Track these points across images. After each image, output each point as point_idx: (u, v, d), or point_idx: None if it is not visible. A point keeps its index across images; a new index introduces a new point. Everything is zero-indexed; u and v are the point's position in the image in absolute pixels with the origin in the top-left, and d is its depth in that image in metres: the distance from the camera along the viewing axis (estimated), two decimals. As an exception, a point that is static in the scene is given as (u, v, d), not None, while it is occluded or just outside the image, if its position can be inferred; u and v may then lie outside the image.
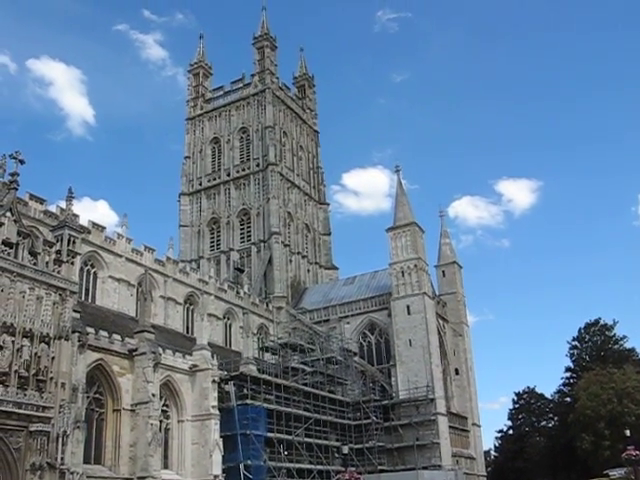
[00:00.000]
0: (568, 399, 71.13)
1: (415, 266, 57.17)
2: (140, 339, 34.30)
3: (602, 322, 73.91)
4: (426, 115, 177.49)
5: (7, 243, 27.68)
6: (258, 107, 73.76)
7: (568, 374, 75.46)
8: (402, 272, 57.28)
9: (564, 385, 76.20)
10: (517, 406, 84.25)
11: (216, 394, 37.41)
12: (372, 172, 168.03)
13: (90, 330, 31.72)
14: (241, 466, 37.86)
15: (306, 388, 47.41)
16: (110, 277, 45.60)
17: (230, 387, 39.79)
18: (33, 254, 28.74)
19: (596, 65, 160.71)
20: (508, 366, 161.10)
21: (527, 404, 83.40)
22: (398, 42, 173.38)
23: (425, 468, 48.46)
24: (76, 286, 31.82)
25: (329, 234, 76.98)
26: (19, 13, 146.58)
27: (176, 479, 34.91)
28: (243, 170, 72.04)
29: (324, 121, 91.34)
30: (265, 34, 76.37)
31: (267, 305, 62.33)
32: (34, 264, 28.47)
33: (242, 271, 65.94)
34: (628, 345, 72.31)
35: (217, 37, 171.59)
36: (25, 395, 26.54)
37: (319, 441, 46.56)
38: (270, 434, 41.55)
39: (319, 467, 45.61)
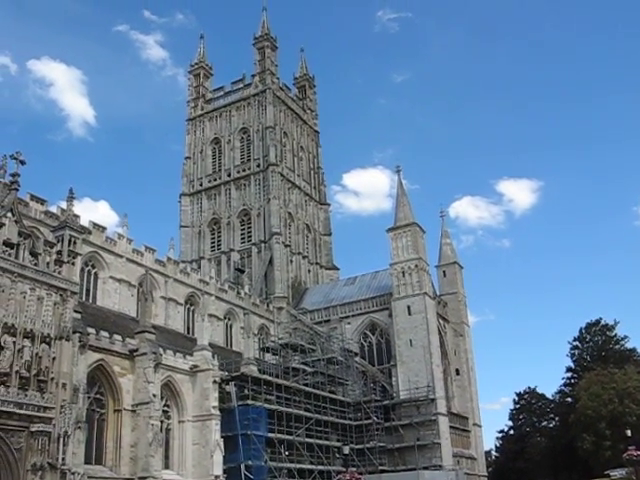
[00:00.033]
0: (569, 399, 71.13)
1: (416, 266, 57.17)
2: (141, 339, 34.31)
3: (603, 322, 73.94)
4: (427, 115, 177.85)
5: (8, 244, 27.72)
6: (259, 107, 73.74)
7: (569, 374, 75.54)
8: (403, 272, 57.29)
9: (565, 385, 76.27)
10: (518, 406, 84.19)
11: (217, 394, 37.41)
12: (373, 172, 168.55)
13: (91, 330, 31.75)
14: (242, 466, 37.90)
15: (307, 388, 47.41)
16: (111, 277, 45.62)
17: (231, 387, 39.85)
18: (34, 255, 28.77)
19: (596, 65, 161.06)
20: (509, 366, 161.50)
21: (528, 404, 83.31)
22: (398, 42, 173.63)
23: (426, 468, 48.43)
24: (77, 286, 31.88)
25: (330, 234, 76.96)
26: (20, 14, 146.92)
27: (177, 479, 34.97)
28: (244, 170, 72.02)
29: (325, 121, 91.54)
30: (266, 34, 76.35)
31: (268, 305, 62.33)
32: (35, 265, 28.50)
33: (243, 271, 65.94)
34: (629, 345, 72.54)
35: (217, 37, 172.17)
36: (26, 395, 26.56)
37: (320, 441, 46.54)
38: (271, 434, 41.56)
39: (320, 467, 45.62)
